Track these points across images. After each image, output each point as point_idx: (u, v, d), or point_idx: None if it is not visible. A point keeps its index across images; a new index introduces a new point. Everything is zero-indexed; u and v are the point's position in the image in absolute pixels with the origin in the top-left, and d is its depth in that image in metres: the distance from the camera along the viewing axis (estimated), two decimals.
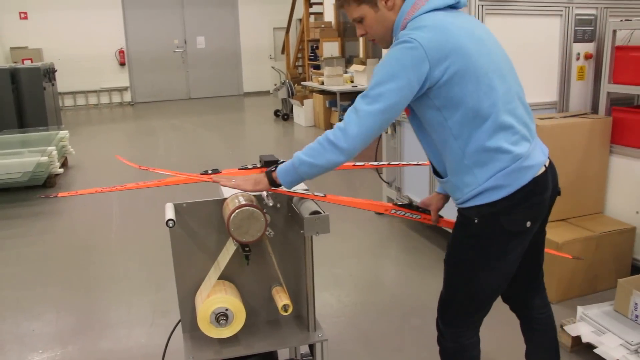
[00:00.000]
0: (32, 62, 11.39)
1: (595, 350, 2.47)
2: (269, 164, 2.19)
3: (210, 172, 2.16)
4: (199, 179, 2.13)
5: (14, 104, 8.35)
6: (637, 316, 2.54)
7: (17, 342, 2.97)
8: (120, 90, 13.97)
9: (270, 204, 1.91)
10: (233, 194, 1.91)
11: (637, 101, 3.61)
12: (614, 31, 3.32)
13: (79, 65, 13.24)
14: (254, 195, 1.89)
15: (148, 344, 2.91)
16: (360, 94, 1.71)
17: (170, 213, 1.86)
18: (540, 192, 1.77)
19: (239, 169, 2.22)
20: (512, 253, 1.80)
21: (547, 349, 2.15)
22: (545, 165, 1.78)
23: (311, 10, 12.21)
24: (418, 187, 4.19)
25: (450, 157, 1.76)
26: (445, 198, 2.09)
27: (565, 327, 2.64)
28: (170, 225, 1.79)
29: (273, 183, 1.83)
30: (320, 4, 11.66)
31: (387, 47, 1.83)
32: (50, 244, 4.46)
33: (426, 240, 4.21)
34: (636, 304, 2.54)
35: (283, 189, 1.87)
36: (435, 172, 1.93)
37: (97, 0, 13.34)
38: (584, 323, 2.62)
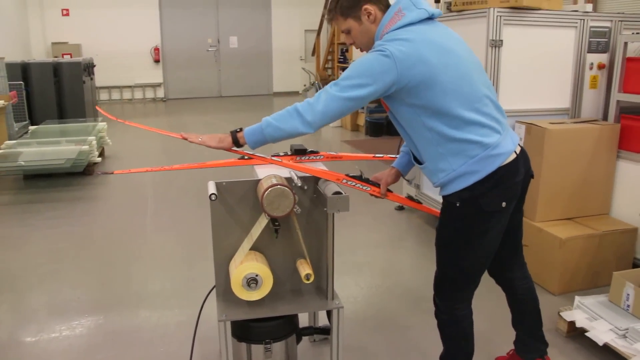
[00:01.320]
0: (71, 57, 11.90)
1: (587, 334, 2.70)
2: (299, 152, 2.49)
3: (246, 157, 2.46)
4: (170, 134, 2.49)
5: (55, 96, 8.83)
6: (628, 306, 2.76)
7: (66, 307, 3.31)
8: (154, 86, 14.46)
9: (299, 185, 2.19)
10: (267, 175, 2.20)
11: None
12: (625, 43, 3.53)
13: (115, 61, 13.75)
14: (285, 177, 2.18)
15: (181, 312, 3.22)
16: (333, 81, 1.99)
17: (212, 188, 2.16)
18: (512, 176, 2.05)
19: (271, 156, 2.51)
20: (492, 231, 2.08)
21: (530, 312, 2.45)
22: (515, 152, 2.06)
23: None
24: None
25: (425, 147, 2.05)
26: (397, 175, 2.38)
27: (562, 314, 2.87)
28: (213, 198, 2.10)
29: (237, 143, 2.11)
30: None
31: None
32: (91, 225, 4.82)
33: None
34: (628, 294, 2.76)
35: (244, 150, 2.13)
36: (415, 159, 2.22)
37: None
38: (580, 310, 2.85)
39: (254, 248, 2.26)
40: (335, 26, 2.09)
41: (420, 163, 2.18)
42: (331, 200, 2.08)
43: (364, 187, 2.37)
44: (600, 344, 2.62)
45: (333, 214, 2.24)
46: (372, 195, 2.38)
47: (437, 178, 2.08)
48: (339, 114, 1.98)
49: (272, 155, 2.51)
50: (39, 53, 13.06)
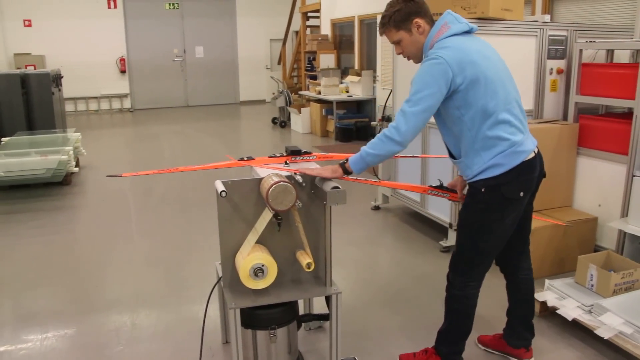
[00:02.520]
0: (35, 68, 11.80)
1: (557, 312, 2.99)
2: (295, 152, 2.70)
3: (245, 158, 2.66)
4: (285, 170, 2.58)
5: (24, 108, 8.78)
6: (592, 285, 3.07)
7: (63, 308, 3.42)
8: (121, 97, 14.42)
9: (300, 180, 2.40)
10: (268, 174, 2.41)
11: (602, 110, 4.15)
12: (580, 50, 3.87)
13: (80, 72, 13.67)
14: (285, 176, 2.39)
15: (178, 309, 3.37)
16: (405, 100, 2.28)
17: (220, 187, 2.35)
18: (530, 172, 2.38)
19: (269, 157, 2.71)
20: (508, 217, 2.39)
21: (526, 302, 2.75)
22: (534, 152, 2.39)
23: (308, 23, 12.78)
24: (411, 181, 4.69)
25: (465, 143, 2.36)
26: (464, 180, 2.65)
27: (534, 295, 3.14)
28: (223, 195, 2.29)
29: (346, 172, 2.40)
30: (317, 17, 12.22)
31: (418, 62, 2.44)
32: (74, 232, 4.91)
33: (416, 230, 4.72)
34: (592, 275, 3.06)
35: (352, 177, 2.45)
36: (451, 155, 2.53)
37: (99, 9, 13.85)
38: (550, 292, 3.14)
39: (258, 241, 2.46)
40: (386, 37, 2.43)
41: (455, 158, 2.47)
42: (330, 194, 2.30)
43: (445, 195, 2.71)
44: (570, 319, 2.91)
45: (330, 207, 2.46)
46: (450, 200, 2.74)
47: (470, 171, 2.38)
48: (421, 126, 2.28)
49: (270, 156, 2.72)
50: (0, 64, 12.89)
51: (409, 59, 2.51)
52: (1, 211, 5.55)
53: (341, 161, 2.40)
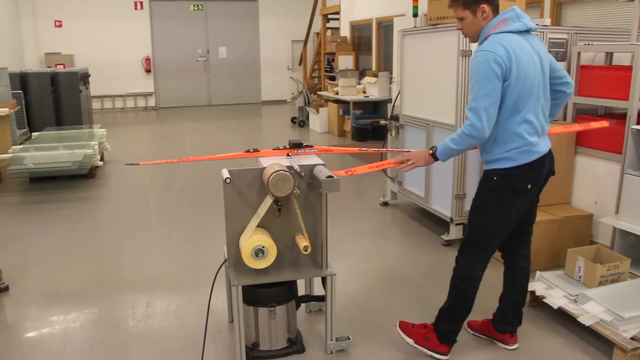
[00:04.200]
0: (64, 67, 12.25)
1: (544, 300, 3.16)
2: (296, 145, 2.92)
3: (252, 150, 2.89)
4: (384, 165, 2.91)
5: (53, 105, 9.18)
6: (580, 277, 3.22)
7: (87, 288, 3.70)
8: (145, 95, 14.83)
9: (298, 171, 2.61)
10: (270, 163, 2.63)
11: (601, 111, 4.28)
12: (579, 53, 4.02)
13: (107, 70, 14.10)
14: (286, 166, 2.61)
15: (190, 290, 3.62)
16: (471, 97, 2.49)
17: (226, 174, 2.58)
18: (540, 168, 2.60)
19: (273, 149, 2.94)
20: (516, 206, 2.62)
21: (520, 289, 2.94)
22: (545, 153, 2.60)
23: (328, 25, 13.01)
24: (416, 180, 4.88)
25: (492, 129, 2.53)
26: None
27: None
28: (228, 182, 2.53)
29: (436, 159, 2.64)
30: (337, 19, 12.43)
31: (473, 41, 2.70)
32: (99, 221, 5.21)
33: (422, 225, 4.90)
34: (580, 267, 3.22)
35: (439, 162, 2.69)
36: None
37: (126, 11, 14.30)
38: (539, 282, 3.30)
39: (260, 225, 2.68)
40: (452, 11, 2.69)
41: None
42: (324, 182, 2.51)
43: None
44: (555, 307, 3.07)
45: (326, 195, 2.67)
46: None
47: (487, 155, 2.63)
48: (493, 118, 2.48)
49: (274, 149, 2.95)
50: (32, 63, 13.40)
51: (465, 37, 2.73)
52: (31, 201, 5.89)
53: (430, 152, 2.64)
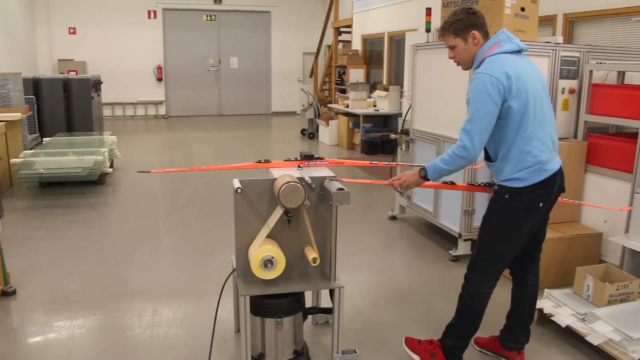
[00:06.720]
0: (77, 73, 12.36)
1: (552, 318, 3.14)
2: (308, 157, 2.93)
3: (263, 161, 2.91)
4: (375, 182, 3.09)
5: (64, 111, 9.26)
6: (589, 295, 3.20)
7: (95, 294, 3.71)
8: (156, 103, 14.94)
9: (309, 182, 2.62)
10: (281, 174, 2.64)
11: (612, 130, 4.28)
12: (591, 71, 4.02)
13: (119, 78, 14.24)
14: (297, 177, 2.62)
15: (198, 299, 3.62)
16: (466, 119, 2.51)
17: (237, 184, 2.60)
18: (551, 186, 2.60)
19: (284, 160, 2.95)
20: (526, 224, 2.61)
21: (529, 307, 2.92)
22: (556, 171, 2.60)
23: (340, 38, 13.09)
24: (425, 195, 4.88)
25: (501, 150, 2.58)
26: None
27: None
28: (239, 191, 2.54)
29: (426, 179, 2.67)
30: (349, 32, 12.50)
31: (466, 69, 2.75)
32: (108, 227, 5.24)
33: (430, 240, 4.89)
34: (588, 285, 3.20)
35: (429, 183, 2.74)
36: (487, 158, 2.73)
37: (140, 19, 14.45)
38: (547, 300, 3.28)
39: (269, 236, 2.69)
40: (444, 41, 2.73)
41: (491, 161, 2.69)
42: (335, 195, 2.52)
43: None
44: (563, 325, 3.05)
45: (336, 207, 2.68)
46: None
47: (500, 176, 2.63)
48: (485, 140, 2.51)
49: (285, 160, 2.96)
50: (45, 69, 13.55)
51: (458, 65, 2.74)
52: (41, 206, 5.93)
53: (421, 173, 2.68)
